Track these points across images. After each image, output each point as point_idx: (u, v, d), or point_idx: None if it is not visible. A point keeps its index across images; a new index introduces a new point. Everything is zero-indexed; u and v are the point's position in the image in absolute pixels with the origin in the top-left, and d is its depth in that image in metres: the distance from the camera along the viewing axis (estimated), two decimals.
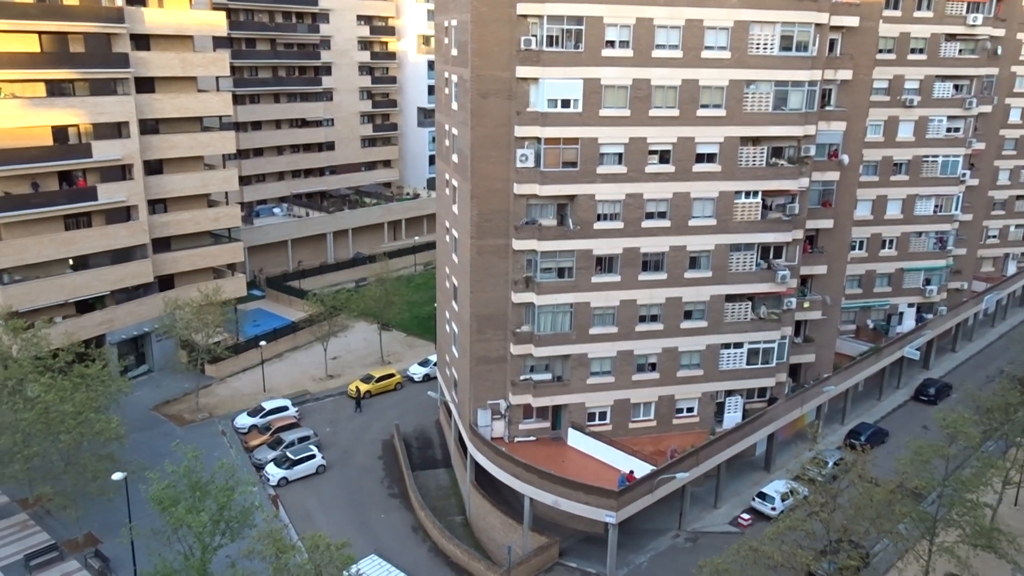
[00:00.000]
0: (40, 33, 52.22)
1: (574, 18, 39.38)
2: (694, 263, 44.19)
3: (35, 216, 52.56)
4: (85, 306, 56.55)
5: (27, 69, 51.51)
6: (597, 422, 45.32)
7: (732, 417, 47.10)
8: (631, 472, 40.70)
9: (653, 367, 45.37)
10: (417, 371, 62.72)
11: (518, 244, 41.38)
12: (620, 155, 41.50)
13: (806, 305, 48.83)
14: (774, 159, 44.43)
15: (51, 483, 40.53)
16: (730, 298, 45.43)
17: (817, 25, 42.42)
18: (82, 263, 55.80)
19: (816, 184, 47.63)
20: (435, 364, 59.68)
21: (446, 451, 52.37)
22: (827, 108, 47.68)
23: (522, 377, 43.66)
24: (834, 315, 51.90)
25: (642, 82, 40.73)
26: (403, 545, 42.71)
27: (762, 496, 45.04)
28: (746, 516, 44.26)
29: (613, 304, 43.51)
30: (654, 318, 44.52)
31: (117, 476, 37.66)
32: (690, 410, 46.80)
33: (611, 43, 40.04)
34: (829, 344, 52.70)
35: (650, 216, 42.78)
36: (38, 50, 52.40)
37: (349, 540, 32.37)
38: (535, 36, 39.36)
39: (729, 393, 47.40)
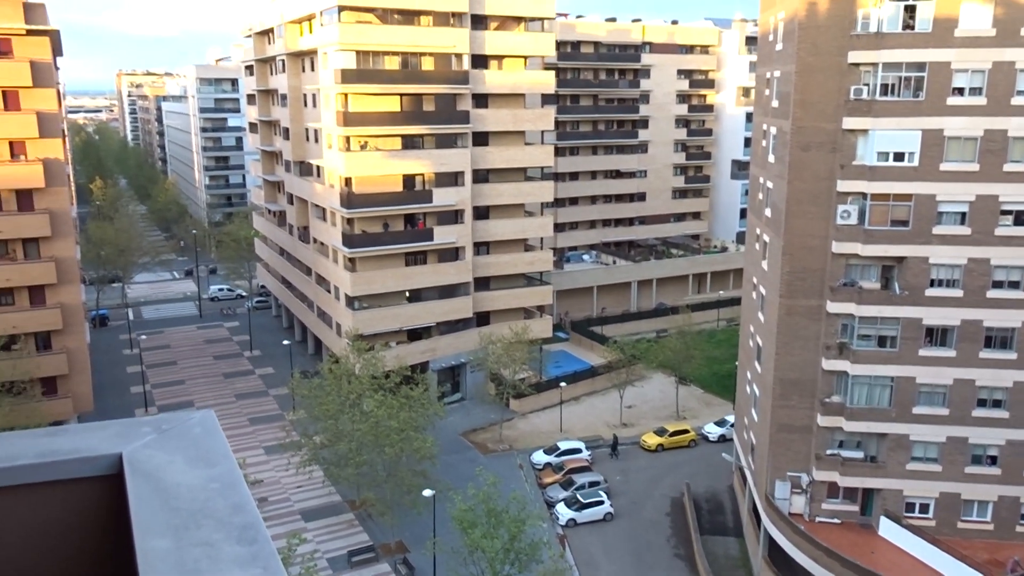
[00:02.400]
0: (401, 95, 60.59)
1: (915, 64, 36.09)
2: None
3: (383, 252, 60.54)
4: (414, 334, 63.44)
5: (390, 126, 60.08)
6: (917, 514, 40.01)
7: None
8: None
9: (993, 460, 39.10)
10: (713, 430, 60.60)
11: (833, 307, 38.42)
12: (963, 214, 36.90)
13: None
14: None
15: (374, 490, 45.68)
16: None
17: None
18: (415, 296, 62.86)
19: None
20: (732, 425, 57.21)
21: (738, 518, 49.69)
22: None
23: (828, 452, 40.12)
24: None
25: (996, 133, 35.94)
26: None
27: None
28: None
29: (944, 382, 38.41)
30: (997, 403, 38.47)
31: (427, 492, 41.43)
32: None
33: (959, 90, 35.97)
34: None
35: (998, 285, 37.31)
36: (398, 109, 60.79)
37: None
38: (867, 85, 36.75)
39: None
